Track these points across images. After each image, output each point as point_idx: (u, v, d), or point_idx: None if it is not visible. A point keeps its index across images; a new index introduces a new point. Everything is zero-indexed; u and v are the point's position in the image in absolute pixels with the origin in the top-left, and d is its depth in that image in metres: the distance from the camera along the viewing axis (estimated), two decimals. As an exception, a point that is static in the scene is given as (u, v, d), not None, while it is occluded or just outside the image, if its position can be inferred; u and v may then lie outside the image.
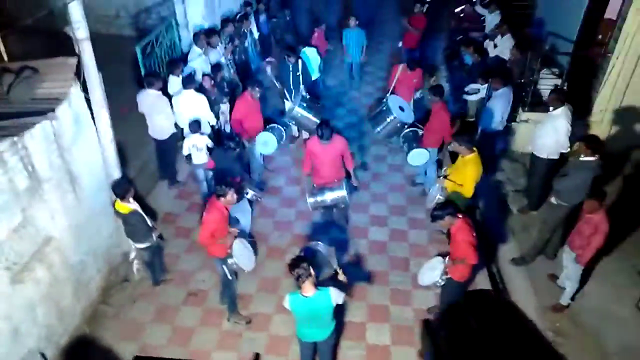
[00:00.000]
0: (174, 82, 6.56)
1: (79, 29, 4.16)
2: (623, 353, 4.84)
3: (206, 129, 6.54)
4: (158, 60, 7.34)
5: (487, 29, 8.70)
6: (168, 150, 6.63)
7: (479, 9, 9.55)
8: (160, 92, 6.20)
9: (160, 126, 6.36)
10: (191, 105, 6.38)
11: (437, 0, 12.08)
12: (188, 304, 5.41)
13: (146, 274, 5.56)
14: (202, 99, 6.45)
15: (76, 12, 4.09)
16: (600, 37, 7.63)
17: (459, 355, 4.42)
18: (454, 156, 6.13)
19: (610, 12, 7.33)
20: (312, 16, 9.91)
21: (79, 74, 4.48)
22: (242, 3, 9.06)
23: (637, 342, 4.92)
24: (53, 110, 4.15)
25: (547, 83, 7.31)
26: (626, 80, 6.71)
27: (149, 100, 6.17)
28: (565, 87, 7.01)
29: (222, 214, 4.51)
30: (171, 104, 6.40)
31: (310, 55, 7.96)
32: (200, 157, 6.18)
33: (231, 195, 4.42)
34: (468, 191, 5.25)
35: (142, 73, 6.74)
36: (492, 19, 8.80)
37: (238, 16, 8.52)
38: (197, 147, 6.10)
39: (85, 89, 4.63)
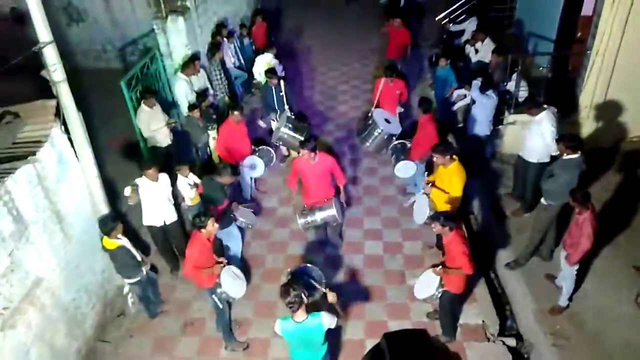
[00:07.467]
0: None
1: (55, 71, 4.19)
2: (625, 349, 4.78)
3: None
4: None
5: (466, 36, 8.76)
6: None
7: (454, 27, 9.68)
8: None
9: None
10: None
11: (419, 9, 12.26)
12: (186, 334, 5.39)
13: (142, 307, 5.54)
14: None
15: (51, 55, 4.13)
16: (579, 34, 7.67)
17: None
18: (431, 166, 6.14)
19: (586, 9, 7.38)
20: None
21: (59, 114, 4.52)
22: (213, 33, 9.02)
23: (638, 338, 4.85)
24: (34, 153, 4.19)
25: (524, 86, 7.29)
26: (607, 75, 6.71)
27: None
28: (543, 91, 7.03)
29: (204, 245, 4.50)
30: None
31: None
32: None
33: (211, 225, 4.41)
34: (457, 200, 5.26)
35: (129, 106, 6.81)
36: (469, 27, 8.86)
37: (207, 46, 8.57)
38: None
39: (67, 129, 4.67)
